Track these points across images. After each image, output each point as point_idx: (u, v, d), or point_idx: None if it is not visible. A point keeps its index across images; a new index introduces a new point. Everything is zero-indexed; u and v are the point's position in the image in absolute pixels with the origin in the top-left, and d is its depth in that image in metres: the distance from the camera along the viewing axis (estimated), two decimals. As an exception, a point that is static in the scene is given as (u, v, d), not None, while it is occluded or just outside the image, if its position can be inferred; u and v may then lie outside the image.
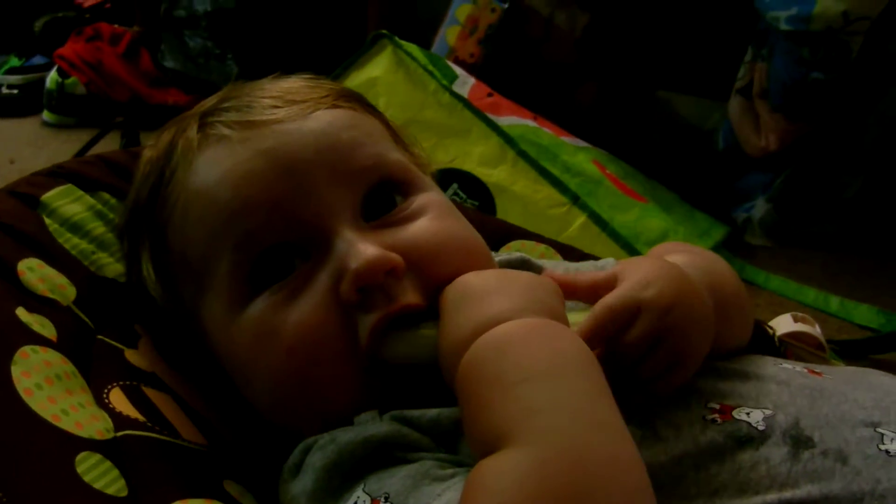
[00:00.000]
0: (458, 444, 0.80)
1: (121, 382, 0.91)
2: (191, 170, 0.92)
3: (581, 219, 1.91)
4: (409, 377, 0.84)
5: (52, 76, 3.11)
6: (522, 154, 1.97)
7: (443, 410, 0.81)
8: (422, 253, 0.87)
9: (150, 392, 0.93)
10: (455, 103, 2.04)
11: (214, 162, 0.90)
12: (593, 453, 0.62)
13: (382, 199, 0.92)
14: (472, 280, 0.81)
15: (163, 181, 0.95)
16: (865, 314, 2.00)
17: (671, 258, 0.88)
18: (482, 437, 0.67)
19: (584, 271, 0.94)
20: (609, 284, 0.84)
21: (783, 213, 2.36)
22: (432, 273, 0.85)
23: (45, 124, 3.17)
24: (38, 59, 3.42)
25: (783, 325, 1.28)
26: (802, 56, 2.22)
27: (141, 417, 0.87)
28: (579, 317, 0.81)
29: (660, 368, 0.80)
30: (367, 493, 0.75)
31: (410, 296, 0.84)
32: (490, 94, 2.15)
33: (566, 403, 0.65)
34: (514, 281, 0.81)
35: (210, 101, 0.98)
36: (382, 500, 0.73)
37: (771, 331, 1.20)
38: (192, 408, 0.96)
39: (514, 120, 2.11)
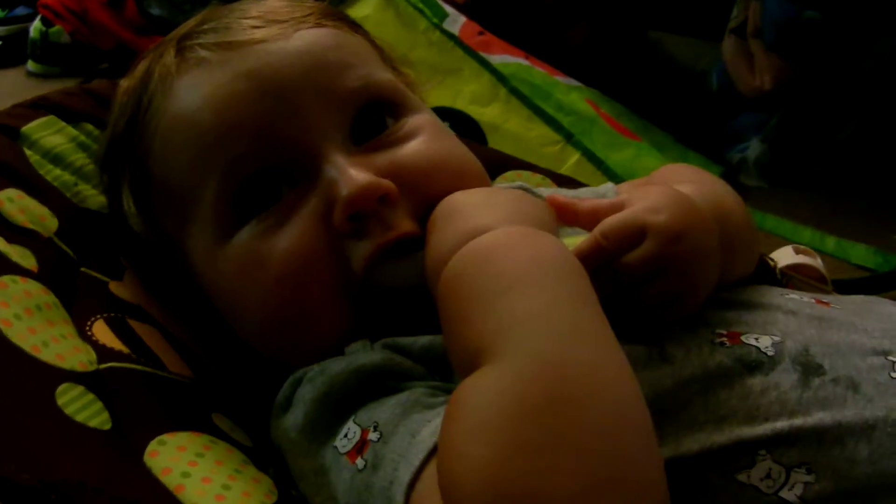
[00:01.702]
0: (451, 371, 0.77)
1: (104, 314, 0.88)
2: (170, 96, 0.88)
3: (575, 157, 1.89)
4: (401, 303, 0.81)
5: (35, 25, 3.06)
6: (515, 91, 1.95)
7: (436, 337, 0.78)
8: (415, 175, 0.84)
9: (135, 324, 0.90)
10: (446, 41, 2.02)
11: (194, 86, 0.87)
12: (574, 363, 0.59)
13: (373, 120, 0.88)
14: (458, 196, 0.78)
15: (140, 109, 0.92)
16: (862, 254, 1.97)
17: (680, 187, 0.85)
18: (462, 355, 0.64)
19: (584, 197, 0.90)
20: (615, 210, 0.79)
21: (777, 154, 2.34)
22: (426, 195, 0.81)
23: (30, 74, 3.11)
24: (21, 10, 3.38)
25: (784, 257, 1.25)
26: (796, -7, 2.20)
27: (125, 349, 0.85)
28: (579, 240, 0.77)
29: (667, 297, 0.76)
30: (357, 424, 0.73)
31: (405, 223, 0.82)
32: (481, 33, 2.13)
33: (545, 312, 0.62)
34: (501, 195, 0.78)
35: (188, 25, 0.94)
36: (371, 429, 0.71)
37: (772, 263, 1.18)
38: (179, 340, 0.93)
39: (506, 58, 2.08)
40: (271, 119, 0.83)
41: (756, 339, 0.76)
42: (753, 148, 2.36)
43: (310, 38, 0.89)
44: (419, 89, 1.01)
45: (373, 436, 0.71)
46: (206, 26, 0.91)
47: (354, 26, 0.98)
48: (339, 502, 0.72)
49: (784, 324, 0.79)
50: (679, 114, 2.43)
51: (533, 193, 0.98)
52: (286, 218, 0.83)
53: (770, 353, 0.74)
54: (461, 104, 1.94)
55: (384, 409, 0.72)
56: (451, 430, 0.60)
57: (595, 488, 0.54)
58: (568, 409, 0.56)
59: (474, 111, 1.93)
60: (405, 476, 0.65)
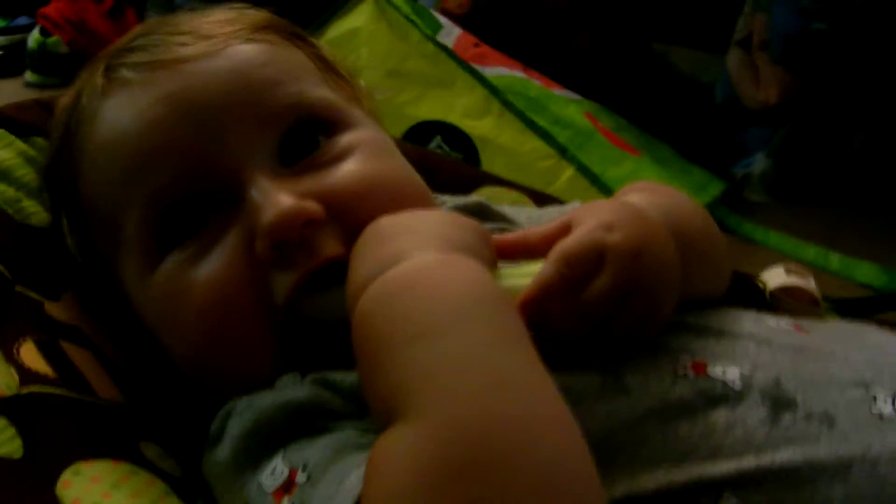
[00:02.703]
0: None
1: (35, 336, 0.85)
2: (95, 120, 0.86)
3: (569, 172, 1.85)
4: (330, 336, 0.77)
5: (34, 36, 3.06)
6: (508, 105, 1.92)
7: None
8: (346, 199, 0.80)
9: (68, 347, 0.87)
10: (439, 53, 1.99)
11: (117, 111, 0.85)
12: (496, 420, 0.53)
13: (304, 140, 0.85)
14: (381, 222, 0.73)
15: (69, 131, 0.90)
16: (867, 272, 1.94)
17: (629, 198, 0.81)
18: (377, 408, 0.60)
19: (535, 227, 0.85)
20: (564, 231, 0.75)
21: (783, 169, 2.31)
22: (359, 220, 0.75)
23: (29, 85, 3.09)
24: (22, 20, 3.37)
25: (774, 278, 1.22)
26: (803, 5, 2.17)
27: (52, 374, 0.82)
28: (535, 267, 0.72)
29: (631, 321, 0.72)
30: (285, 462, 0.69)
31: (332, 248, 0.78)
32: (477, 45, 2.10)
33: (461, 362, 0.56)
34: (428, 218, 0.73)
35: (123, 40, 0.92)
36: (300, 470, 0.67)
37: (762, 285, 1.15)
38: (114, 364, 0.90)
39: (502, 71, 2.05)
40: (192, 144, 0.81)
41: (723, 371, 0.72)
42: (758, 163, 2.33)
43: (238, 55, 0.86)
44: (370, 100, 0.97)
45: (300, 477, 0.67)
46: (137, 42, 0.88)
47: (295, 38, 0.95)
48: None
49: (755, 354, 0.74)
50: (682, 127, 2.40)
51: (490, 210, 0.94)
52: (209, 247, 0.80)
53: (737, 388, 0.70)
54: (454, 118, 1.92)
55: (314, 450, 0.69)
56: (369, 493, 0.56)
57: None
58: (491, 474, 0.51)
59: (467, 125, 1.90)
60: None
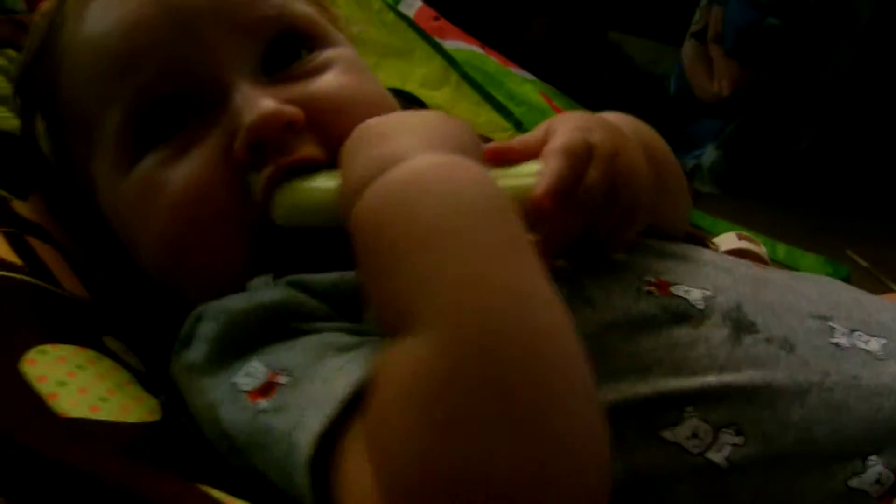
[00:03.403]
0: (361, 311, 0.73)
1: (2, 229, 0.85)
2: (81, 18, 0.86)
3: (523, 144, 1.86)
4: (306, 238, 0.78)
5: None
6: (466, 77, 1.93)
7: (344, 274, 0.74)
8: (325, 107, 0.81)
9: (34, 242, 0.87)
10: (399, 23, 2.00)
11: (105, 9, 0.84)
12: (505, 328, 0.54)
13: (287, 52, 0.86)
14: (372, 122, 0.72)
15: (52, 30, 0.90)
16: (812, 263, 1.96)
17: (601, 115, 0.82)
18: (386, 312, 0.60)
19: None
20: (542, 139, 0.74)
21: (732, 161, 2.33)
22: (336, 129, 0.76)
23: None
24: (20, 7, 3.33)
25: (727, 242, 1.24)
26: (759, 0, 2.19)
27: (19, 262, 0.81)
28: (527, 168, 0.72)
29: (614, 218, 0.73)
30: (265, 365, 0.68)
31: (309, 148, 0.78)
32: (436, 18, 2.11)
33: (475, 272, 0.56)
34: (419, 118, 0.72)
35: None
36: (282, 373, 0.67)
37: (713, 246, 1.16)
38: (80, 264, 0.90)
39: (460, 45, 2.06)
40: (177, 47, 0.81)
41: (686, 291, 0.73)
42: (709, 154, 2.36)
43: None
44: (347, 29, 0.97)
45: (282, 379, 0.66)
46: None
47: None
48: (233, 440, 0.68)
49: (716, 279, 0.76)
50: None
51: None
52: (188, 147, 0.80)
53: (700, 307, 0.71)
54: (411, 86, 1.92)
55: (294, 353, 0.68)
56: (378, 404, 0.56)
57: (542, 467, 0.51)
58: (500, 386, 0.52)
59: (424, 94, 1.90)
60: (314, 423, 0.61)
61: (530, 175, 0.70)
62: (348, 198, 0.65)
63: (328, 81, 0.84)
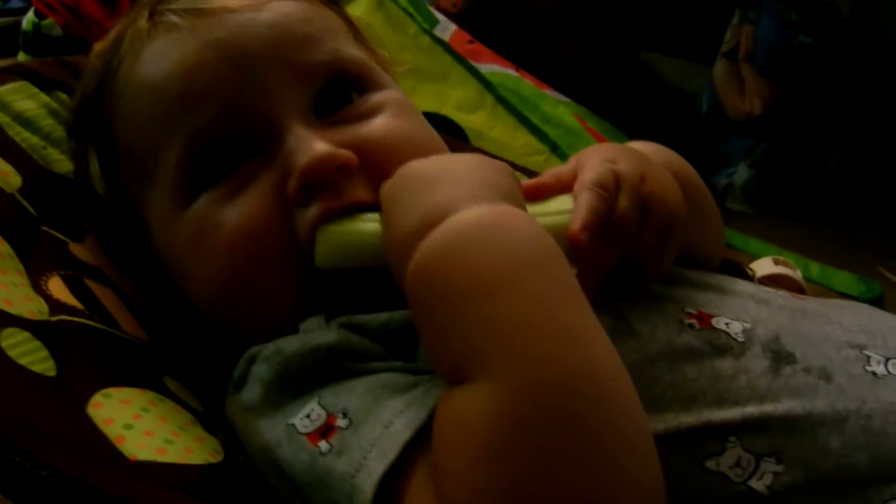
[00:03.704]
0: (412, 349, 0.76)
1: (62, 272, 0.87)
2: (138, 60, 0.88)
3: (557, 168, 1.87)
4: (353, 280, 0.80)
5: (28, 17, 3.04)
6: (502, 100, 1.94)
7: (393, 314, 0.76)
8: (376, 151, 0.83)
9: (92, 285, 0.89)
10: (435, 47, 2.02)
11: (162, 52, 0.87)
12: (570, 376, 0.56)
13: (338, 95, 0.88)
14: (414, 166, 0.74)
15: (110, 72, 0.91)
16: (846, 281, 1.97)
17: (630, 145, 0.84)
18: (447, 363, 0.62)
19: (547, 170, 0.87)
20: (573, 172, 0.77)
21: (765, 180, 2.33)
22: (387, 171, 0.76)
23: (22, 67, 3.08)
24: (16, 2, 3.35)
25: (763, 267, 1.25)
26: (790, 18, 2.21)
27: (79, 305, 0.83)
28: (557, 204, 0.75)
29: (651, 241, 0.75)
30: (323, 407, 0.71)
31: (359, 192, 0.80)
32: (471, 42, 2.12)
33: (533, 320, 0.58)
34: (461, 163, 0.74)
35: None
36: (340, 416, 0.69)
37: (751, 272, 1.17)
38: (136, 305, 0.92)
39: (495, 68, 2.08)
40: (235, 89, 0.83)
41: (727, 323, 0.75)
42: (741, 173, 2.36)
43: (280, 9, 0.88)
44: (394, 71, 0.99)
45: (341, 422, 0.68)
46: None
47: (330, 2, 0.97)
48: (294, 481, 0.70)
49: (755, 311, 0.78)
50: (667, 135, 2.40)
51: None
52: (243, 187, 0.82)
53: (740, 339, 0.73)
54: (447, 110, 1.93)
55: (351, 396, 0.70)
56: (448, 451, 0.58)
57: (609, 500, 0.54)
58: (572, 428, 0.55)
59: (460, 118, 1.92)
60: (378, 466, 0.63)
61: (564, 212, 0.73)
62: (398, 247, 0.68)
63: (379, 125, 0.86)
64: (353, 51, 0.92)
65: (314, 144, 0.80)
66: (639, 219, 0.74)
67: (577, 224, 0.70)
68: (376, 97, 0.89)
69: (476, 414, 0.57)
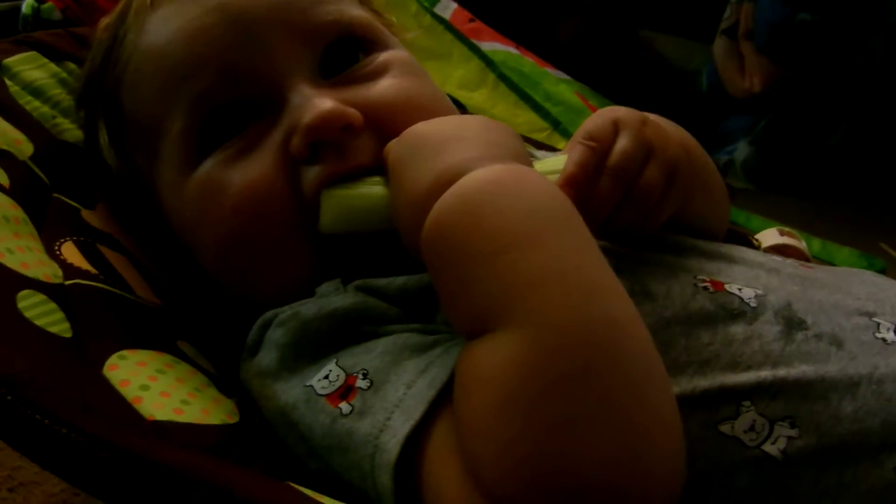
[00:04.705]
0: (431, 312, 0.76)
1: (74, 238, 0.87)
2: (143, 30, 0.89)
3: (562, 145, 1.86)
4: (360, 243, 0.80)
5: (28, 1, 3.04)
6: (503, 78, 1.94)
7: (410, 277, 0.77)
8: (383, 111, 0.83)
9: (105, 251, 0.89)
10: (436, 25, 2.01)
11: (166, 20, 0.87)
12: (593, 324, 0.57)
13: (344, 55, 0.88)
14: (422, 128, 0.75)
15: (116, 42, 0.92)
16: (847, 257, 1.97)
17: None
18: (466, 317, 0.62)
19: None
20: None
21: (765, 157, 2.34)
22: (392, 132, 0.79)
23: (21, 50, 3.07)
24: (15, -14, 3.35)
25: (769, 238, 1.25)
26: (790, -5, 2.20)
27: (93, 270, 0.84)
28: (555, 162, 0.76)
29: (657, 180, 0.76)
30: (341, 368, 0.71)
31: (365, 155, 0.80)
32: (472, 20, 2.12)
33: (554, 270, 0.60)
34: (469, 124, 0.76)
35: None
36: (360, 376, 0.69)
37: (757, 243, 1.18)
38: (149, 270, 0.92)
39: (496, 46, 2.07)
40: (238, 53, 0.83)
41: (739, 289, 0.75)
42: (741, 150, 2.36)
43: None
44: (400, 35, 0.99)
45: (361, 383, 0.69)
46: None
47: None
48: (312, 443, 0.71)
49: (766, 279, 0.78)
50: (667, 113, 2.41)
51: None
52: (249, 149, 0.82)
53: (753, 305, 0.73)
54: (449, 88, 1.92)
55: (372, 356, 0.71)
56: (472, 405, 0.59)
57: (631, 454, 0.54)
58: (595, 376, 0.55)
59: (462, 96, 1.91)
60: (403, 427, 0.64)
61: (560, 164, 0.74)
62: (412, 209, 0.69)
63: (386, 84, 0.86)
64: (358, 11, 0.91)
65: (320, 101, 0.80)
66: (643, 158, 0.75)
67: (560, 180, 0.72)
68: (382, 56, 0.89)
69: (498, 365, 0.57)
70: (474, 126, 0.75)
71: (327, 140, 0.79)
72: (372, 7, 0.98)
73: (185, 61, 0.84)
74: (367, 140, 0.81)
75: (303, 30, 0.85)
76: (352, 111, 0.80)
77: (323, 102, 0.79)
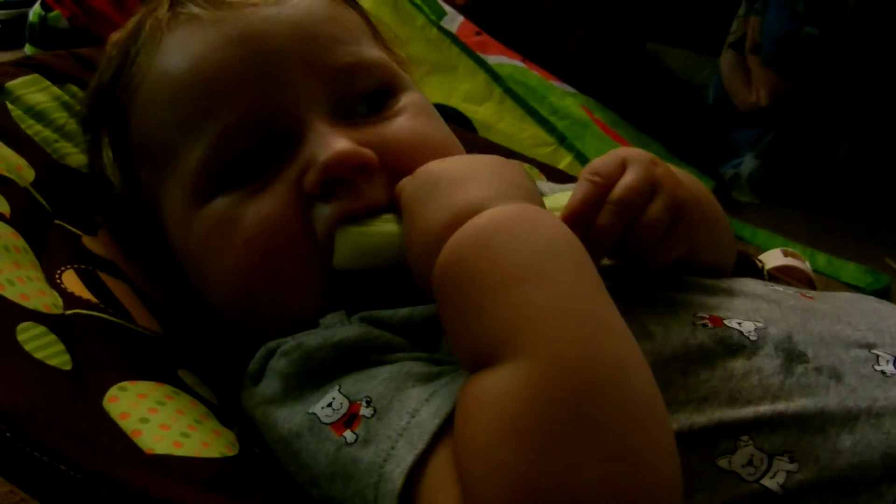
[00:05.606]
0: (435, 343, 0.77)
1: (75, 266, 0.87)
2: (158, 51, 0.88)
3: (567, 159, 1.88)
4: (370, 278, 0.80)
5: (35, 9, 3.05)
6: (509, 92, 1.95)
7: (415, 309, 0.77)
8: (397, 152, 0.83)
9: (106, 278, 0.89)
10: (443, 39, 2.01)
11: (184, 44, 0.86)
12: (598, 360, 0.58)
13: (360, 97, 0.88)
14: (436, 167, 0.76)
15: (127, 61, 0.91)
16: (853, 272, 1.98)
17: None
18: (473, 348, 0.62)
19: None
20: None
21: (771, 170, 2.33)
22: (405, 171, 0.79)
23: (28, 59, 3.07)
24: (24, -6, 3.36)
25: (773, 259, 1.26)
26: (797, 10, 2.20)
27: (94, 299, 0.83)
28: (563, 198, 0.76)
29: (661, 216, 0.76)
30: (344, 395, 0.71)
31: (378, 194, 0.81)
32: (478, 33, 2.12)
33: (563, 306, 0.60)
34: (482, 164, 0.76)
35: None
36: (364, 403, 0.69)
37: (760, 264, 1.18)
38: (150, 298, 0.92)
39: (503, 59, 2.08)
40: (262, 91, 0.83)
41: (739, 323, 0.75)
42: (747, 164, 2.36)
43: (304, 7, 0.88)
44: (411, 71, 0.99)
45: (365, 411, 0.69)
46: None
47: (351, 0, 0.97)
48: (315, 471, 0.70)
49: (767, 311, 0.78)
50: (674, 126, 2.43)
51: None
52: (265, 186, 0.82)
53: (752, 338, 0.73)
54: (455, 101, 1.94)
55: (376, 384, 0.71)
56: (472, 430, 0.59)
57: (626, 487, 0.54)
58: (596, 409, 0.56)
59: (468, 109, 1.92)
60: (407, 456, 0.64)
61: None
62: (426, 246, 0.69)
63: (401, 126, 0.86)
64: (375, 52, 0.91)
65: (336, 141, 0.80)
66: (648, 194, 0.75)
67: (563, 213, 0.73)
68: (397, 98, 0.89)
69: (503, 392, 0.58)
70: (487, 165, 0.76)
71: (342, 179, 0.79)
72: (386, 45, 0.98)
73: (205, 93, 0.84)
74: (380, 180, 0.81)
75: (323, 68, 0.85)
76: (367, 152, 0.80)
77: (339, 142, 0.80)
